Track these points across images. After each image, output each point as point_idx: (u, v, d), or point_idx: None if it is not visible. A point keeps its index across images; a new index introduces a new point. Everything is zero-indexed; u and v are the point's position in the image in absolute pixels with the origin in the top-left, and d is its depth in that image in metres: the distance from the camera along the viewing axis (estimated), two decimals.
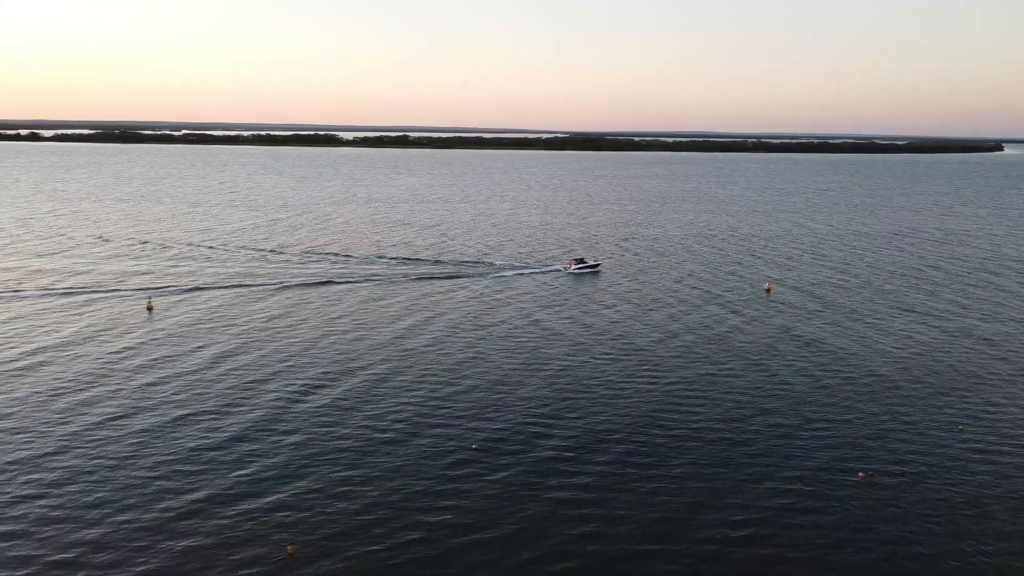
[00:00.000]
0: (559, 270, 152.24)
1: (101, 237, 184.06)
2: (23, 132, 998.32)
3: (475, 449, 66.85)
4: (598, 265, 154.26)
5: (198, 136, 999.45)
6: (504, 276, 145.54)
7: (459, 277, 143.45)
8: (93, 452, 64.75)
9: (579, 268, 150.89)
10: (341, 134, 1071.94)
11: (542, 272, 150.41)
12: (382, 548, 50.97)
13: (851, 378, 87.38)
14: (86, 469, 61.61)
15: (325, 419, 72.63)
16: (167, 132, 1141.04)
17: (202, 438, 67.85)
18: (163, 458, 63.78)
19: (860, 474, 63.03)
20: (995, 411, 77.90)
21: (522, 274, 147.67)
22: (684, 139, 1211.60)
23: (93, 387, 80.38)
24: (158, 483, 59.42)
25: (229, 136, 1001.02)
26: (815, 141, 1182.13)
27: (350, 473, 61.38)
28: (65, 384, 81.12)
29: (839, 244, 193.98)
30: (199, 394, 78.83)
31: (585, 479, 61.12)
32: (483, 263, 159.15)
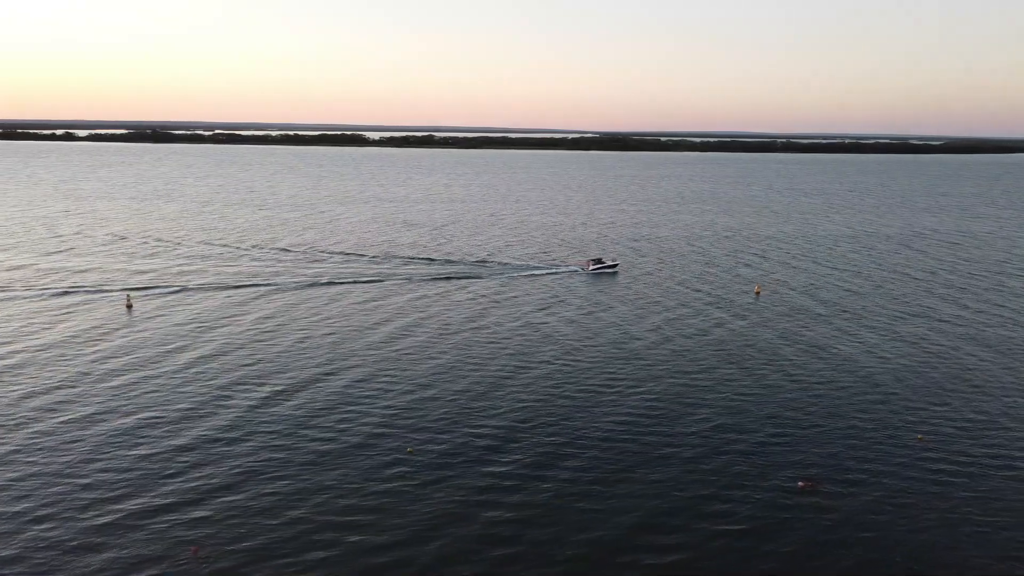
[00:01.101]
0: (576, 270, 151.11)
1: (117, 236, 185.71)
2: (58, 132, 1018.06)
3: (409, 452, 65.30)
4: (616, 265, 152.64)
5: (228, 136, 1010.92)
6: (518, 276, 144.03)
7: (468, 278, 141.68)
8: (33, 461, 63.78)
9: (596, 268, 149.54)
10: (368, 134, 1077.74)
11: (558, 273, 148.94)
12: (290, 561, 49.29)
13: (824, 385, 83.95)
14: (19, 479, 60.70)
15: (280, 428, 70.86)
16: (199, 132, 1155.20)
17: (149, 447, 66.53)
18: (102, 466, 62.55)
19: (800, 483, 60.16)
20: (971, 421, 74.15)
21: (536, 274, 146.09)
22: (712, 139, 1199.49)
23: (53, 392, 79.61)
24: (89, 494, 58.13)
25: (258, 136, 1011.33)
26: (846, 141, 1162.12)
27: (285, 484, 59.57)
28: (24, 389, 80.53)
29: (847, 246, 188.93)
30: (160, 400, 77.66)
31: (523, 497, 58.71)
32: (497, 263, 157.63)
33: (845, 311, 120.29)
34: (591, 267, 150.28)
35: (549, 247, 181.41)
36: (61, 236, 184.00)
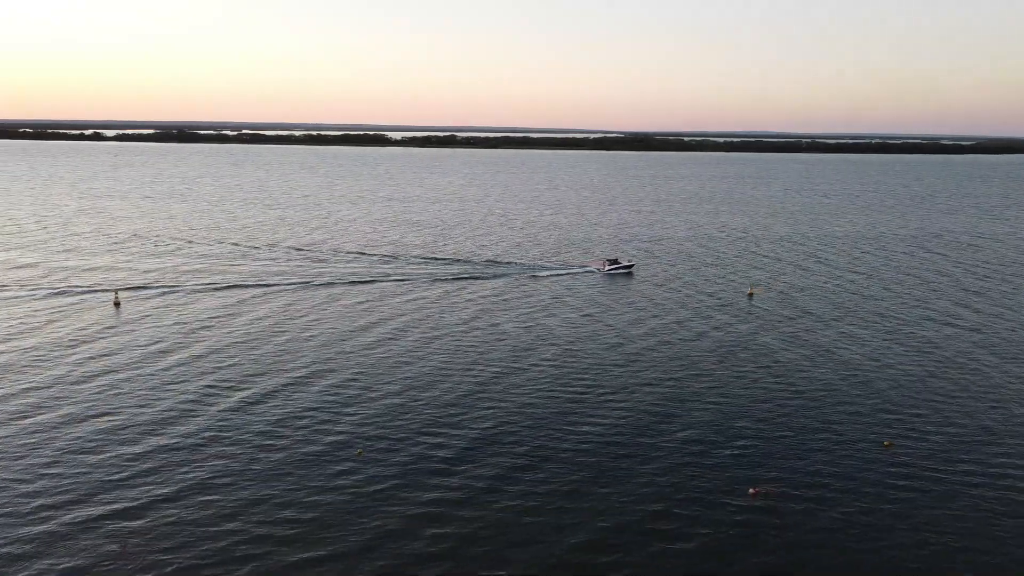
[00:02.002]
0: (592, 271, 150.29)
1: (123, 235, 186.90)
2: (87, 132, 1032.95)
3: (359, 454, 64.53)
4: (631, 266, 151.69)
5: (252, 136, 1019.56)
6: (530, 277, 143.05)
7: (478, 278, 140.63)
8: None
9: (612, 269, 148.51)
10: (390, 134, 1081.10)
11: (572, 273, 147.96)
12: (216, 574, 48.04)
13: (804, 394, 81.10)
14: None
15: (241, 436, 69.24)
16: (225, 132, 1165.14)
17: (103, 455, 65.20)
18: (53, 473, 61.56)
19: (751, 491, 57.76)
20: (958, 431, 70.94)
21: (550, 275, 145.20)
22: (736, 139, 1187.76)
23: (21, 396, 78.75)
24: (33, 501, 57.07)
25: (282, 136, 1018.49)
26: (873, 142, 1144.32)
27: (231, 494, 58.01)
28: None
29: (856, 247, 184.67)
30: (128, 405, 76.50)
31: (472, 511, 56.61)
32: (509, 264, 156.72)
33: (842, 315, 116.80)
34: (606, 268, 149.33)
35: (565, 248, 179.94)
36: (67, 235, 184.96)
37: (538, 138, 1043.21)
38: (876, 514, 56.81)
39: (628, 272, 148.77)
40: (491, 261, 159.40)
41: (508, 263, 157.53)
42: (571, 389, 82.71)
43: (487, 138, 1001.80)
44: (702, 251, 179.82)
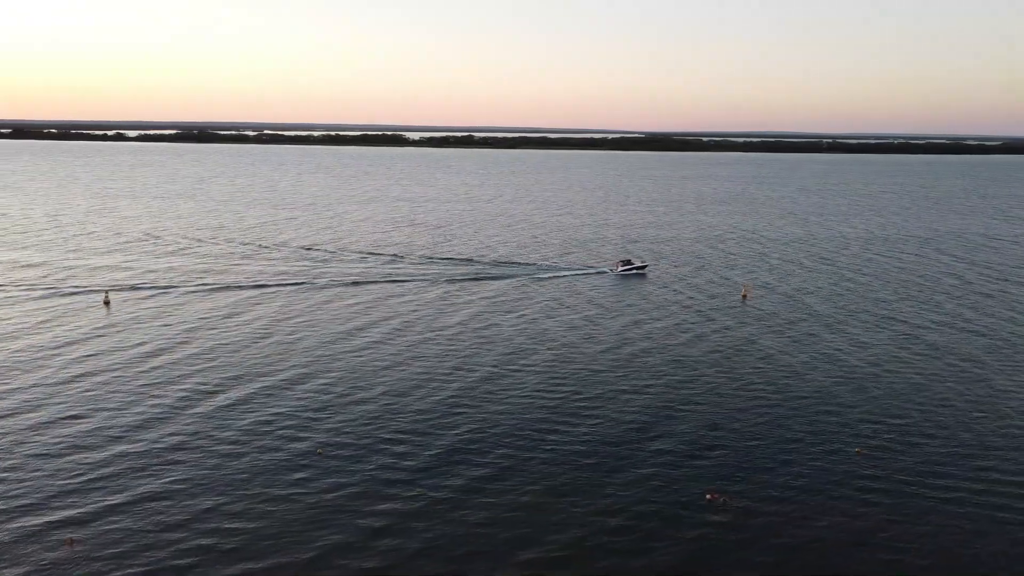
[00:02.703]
0: (605, 271, 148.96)
1: (126, 234, 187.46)
2: (110, 133, 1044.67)
3: (319, 453, 63.64)
4: (645, 267, 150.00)
5: (271, 136, 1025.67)
6: (542, 278, 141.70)
7: (488, 279, 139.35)
8: None
9: (624, 270, 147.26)
10: (408, 134, 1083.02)
11: (585, 274, 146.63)
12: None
13: (786, 397, 78.67)
14: None
15: (207, 443, 67.99)
16: (245, 132, 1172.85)
17: (65, 461, 64.46)
18: (13, 478, 60.80)
19: (708, 496, 55.63)
20: (936, 437, 68.23)
21: (561, 276, 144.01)
22: (755, 139, 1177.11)
23: (5, 396, 78.78)
24: None
25: (301, 136, 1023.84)
26: (895, 142, 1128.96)
27: (183, 504, 56.77)
28: None
29: (865, 248, 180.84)
30: (101, 409, 75.86)
31: (428, 524, 54.97)
32: (521, 264, 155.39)
33: (844, 318, 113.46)
34: (619, 268, 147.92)
35: (578, 248, 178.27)
36: (74, 234, 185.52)
37: (556, 138, 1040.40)
38: (845, 529, 54.45)
39: (641, 273, 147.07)
40: (496, 262, 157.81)
41: (514, 264, 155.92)
42: (552, 396, 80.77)
43: (505, 138, 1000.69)
44: (711, 252, 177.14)
